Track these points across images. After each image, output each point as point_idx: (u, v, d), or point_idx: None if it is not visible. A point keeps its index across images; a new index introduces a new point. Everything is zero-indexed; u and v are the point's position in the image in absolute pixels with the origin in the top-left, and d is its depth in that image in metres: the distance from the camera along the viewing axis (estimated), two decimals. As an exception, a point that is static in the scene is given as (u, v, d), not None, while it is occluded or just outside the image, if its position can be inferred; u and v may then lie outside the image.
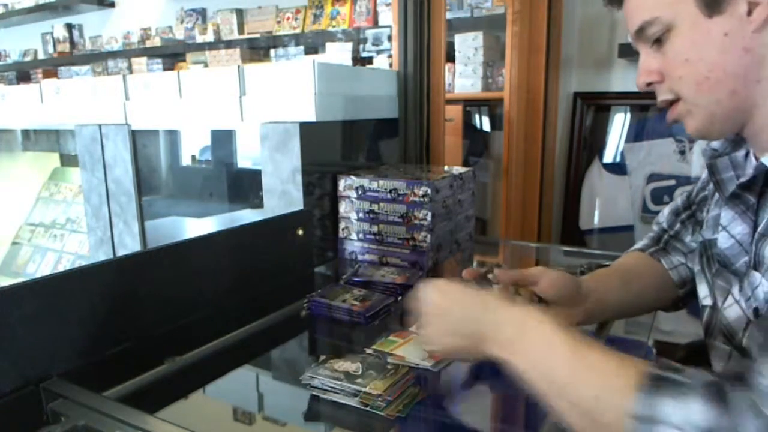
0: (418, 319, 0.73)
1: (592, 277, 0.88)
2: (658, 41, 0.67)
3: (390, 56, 2.23)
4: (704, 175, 0.89)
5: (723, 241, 0.72)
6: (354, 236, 1.37)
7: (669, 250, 0.93)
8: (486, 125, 2.61)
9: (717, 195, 0.78)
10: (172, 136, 1.87)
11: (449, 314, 0.70)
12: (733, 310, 0.70)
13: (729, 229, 0.72)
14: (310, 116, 1.29)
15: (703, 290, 0.78)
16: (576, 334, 0.59)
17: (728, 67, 0.63)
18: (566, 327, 0.60)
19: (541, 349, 0.59)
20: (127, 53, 3.97)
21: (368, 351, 0.86)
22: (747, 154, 0.71)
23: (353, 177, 1.34)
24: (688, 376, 0.50)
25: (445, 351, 0.73)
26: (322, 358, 0.81)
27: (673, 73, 0.67)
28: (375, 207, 1.32)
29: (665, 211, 0.97)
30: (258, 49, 3.38)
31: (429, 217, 1.27)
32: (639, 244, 0.97)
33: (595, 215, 2.26)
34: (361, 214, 1.35)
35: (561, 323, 0.60)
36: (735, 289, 0.70)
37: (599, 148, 2.27)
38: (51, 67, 4.46)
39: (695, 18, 0.63)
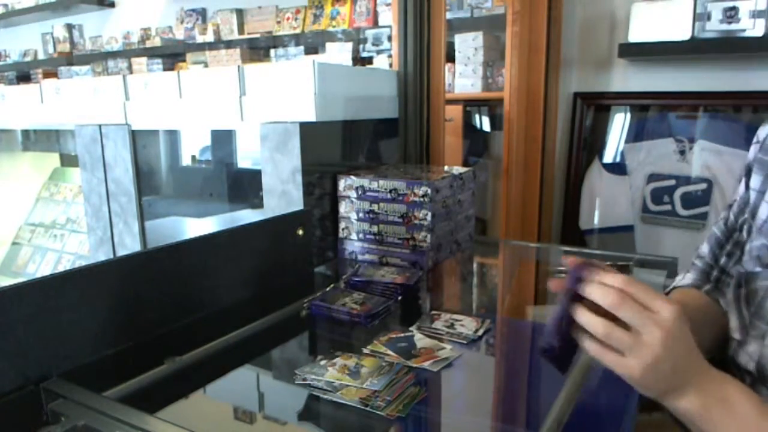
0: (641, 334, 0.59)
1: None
2: None
3: (390, 56, 2.23)
4: (739, 195, 0.84)
5: None
6: (354, 236, 1.37)
7: (722, 288, 0.85)
8: (486, 125, 2.61)
9: (760, 219, 0.72)
10: (172, 136, 1.87)
11: (676, 353, 0.59)
12: None
13: None
14: (310, 116, 1.29)
15: (733, 321, 0.74)
16: None
17: None
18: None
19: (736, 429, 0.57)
20: (127, 53, 3.97)
21: (365, 351, 0.86)
22: None
23: (353, 177, 1.34)
24: None
25: (638, 382, 0.60)
26: (319, 357, 0.81)
27: None
28: (375, 207, 1.32)
29: (705, 247, 0.89)
30: (258, 49, 3.39)
31: (429, 217, 1.27)
32: (688, 280, 0.88)
33: (595, 215, 2.26)
34: (361, 214, 1.35)
35: (761, 401, 0.58)
36: None
37: (599, 148, 2.27)
38: (51, 67, 4.47)
39: None
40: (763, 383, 0.67)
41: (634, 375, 0.59)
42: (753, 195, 0.78)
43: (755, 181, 0.78)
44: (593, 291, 0.59)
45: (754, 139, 0.81)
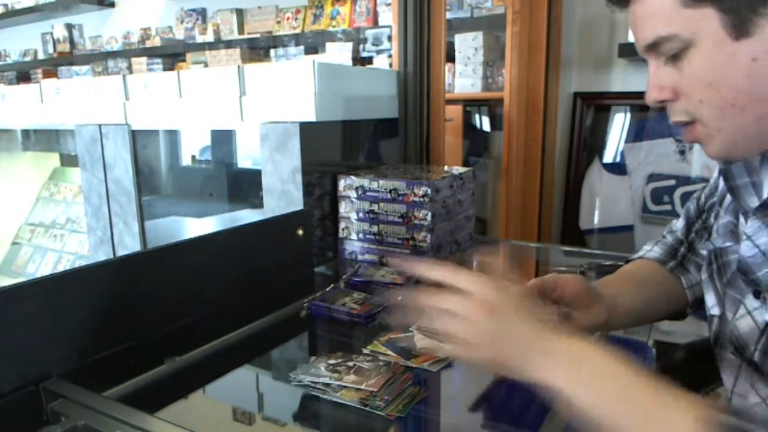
0: (453, 316, 0.62)
1: (600, 282, 0.86)
2: (675, 57, 0.61)
3: (390, 56, 2.23)
4: (713, 179, 0.86)
5: (746, 250, 0.67)
6: (354, 236, 1.37)
7: (686, 264, 0.88)
8: (486, 125, 2.61)
9: (727, 200, 0.74)
10: (172, 136, 1.87)
11: (504, 321, 0.60)
12: (745, 321, 0.67)
13: (754, 239, 0.66)
14: (310, 116, 1.29)
15: (710, 299, 0.75)
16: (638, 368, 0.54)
17: (756, 93, 0.58)
18: (623, 359, 0.55)
19: (604, 382, 0.55)
20: (127, 53, 3.97)
21: (364, 351, 0.86)
22: (763, 159, 0.66)
23: (353, 177, 1.34)
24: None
25: (485, 359, 0.61)
26: (312, 358, 0.81)
27: (693, 96, 0.62)
28: (375, 207, 1.32)
29: (680, 222, 0.92)
30: (258, 49, 3.39)
31: (429, 217, 1.27)
32: (655, 253, 0.91)
33: (595, 215, 2.26)
34: (361, 214, 1.35)
35: (617, 355, 0.56)
36: (748, 300, 0.67)
37: (599, 148, 2.27)
38: (51, 67, 4.47)
39: (719, 38, 0.57)
40: (742, 354, 0.68)
41: (467, 353, 0.61)
42: (722, 181, 0.78)
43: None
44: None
45: None
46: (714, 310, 0.75)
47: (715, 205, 0.82)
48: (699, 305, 0.87)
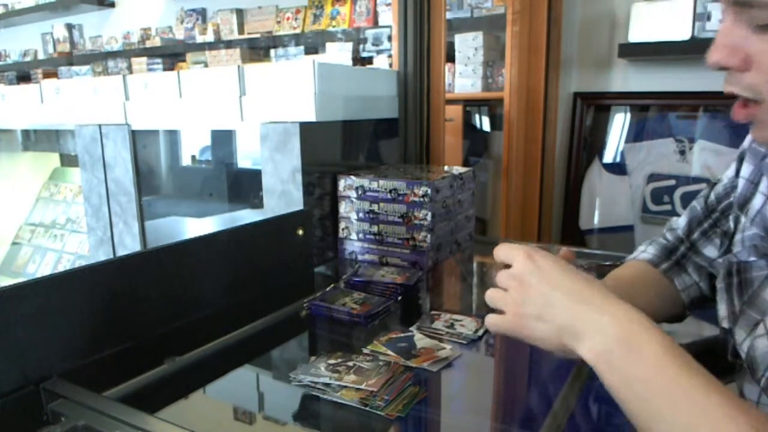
0: (499, 286, 0.62)
1: None
2: (765, 27, 0.53)
3: (390, 56, 2.23)
4: (727, 178, 0.82)
5: None
6: (354, 236, 1.37)
7: (684, 264, 0.85)
8: (486, 125, 2.61)
9: (753, 209, 0.69)
10: (172, 136, 1.87)
11: (546, 294, 0.58)
12: (762, 342, 0.62)
13: None
14: (310, 116, 1.29)
15: (722, 310, 0.72)
16: (688, 360, 0.50)
17: None
18: (676, 347, 0.51)
19: (643, 374, 0.50)
20: (127, 53, 3.97)
21: (364, 351, 0.86)
22: None
23: (353, 177, 1.34)
24: None
25: (524, 335, 0.60)
26: (312, 358, 0.81)
27: None
28: (375, 207, 1.32)
29: (682, 220, 0.88)
30: (258, 49, 3.39)
31: (429, 217, 1.27)
32: (647, 254, 0.88)
33: (595, 215, 2.26)
34: (361, 214, 1.35)
35: (671, 340, 0.51)
36: None
37: (599, 148, 2.27)
38: (51, 67, 4.47)
39: None
40: (752, 374, 0.65)
41: (506, 325, 0.61)
42: (742, 183, 0.75)
43: (746, 169, 0.75)
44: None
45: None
46: (724, 322, 0.71)
47: (731, 208, 0.77)
48: (697, 306, 0.86)
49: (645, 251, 0.89)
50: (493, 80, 2.46)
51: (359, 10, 2.98)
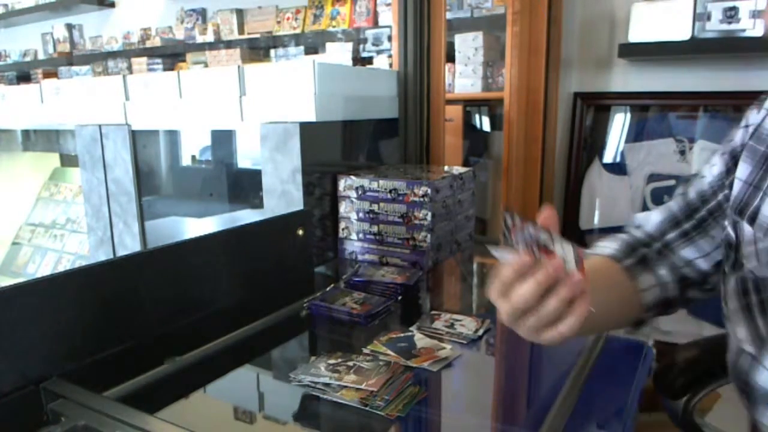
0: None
1: None
2: None
3: (390, 56, 2.23)
4: (711, 175, 0.76)
5: None
6: (354, 236, 1.37)
7: (651, 263, 0.78)
8: (486, 125, 2.61)
9: (764, 219, 0.63)
10: (172, 136, 1.87)
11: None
12: None
13: None
14: (310, 116, 1.29)
15: (742, 332, 0.67)
16: None
17: None
18: None
19: None
20: (127, 53, 3.97)
21: (364, 351, 0.86)
22: None
23: (353, 177, 1.34)
24: None
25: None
26: (312, 358, 0.81)
27: None
28: (375, 207, 1.32)
29: (654, 217, 0.81)
30: (258, 49, 3.38)
31: (429, 217, 1.27)
32: (609, 249, 0.80)
33: (595, 215, 2.26)
34: (361, 214, 1.35)
35: None
36: None
37: (599, 148, 2.27)
38: (51, 67, 4.46)
39: None
40: None
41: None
42: (738, 185, 0.69)
43: (743, 170, 0.69)
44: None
45: (742, 122, 0.73)
46: (748, 347, 0.66)
47: (720, 210, 0.73)
48: (659, 311, 0.78)
49: (606, 246, 0.82)
50: (493, 80, 2.46)
51: (359, 10, 2.98)
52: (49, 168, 2.57)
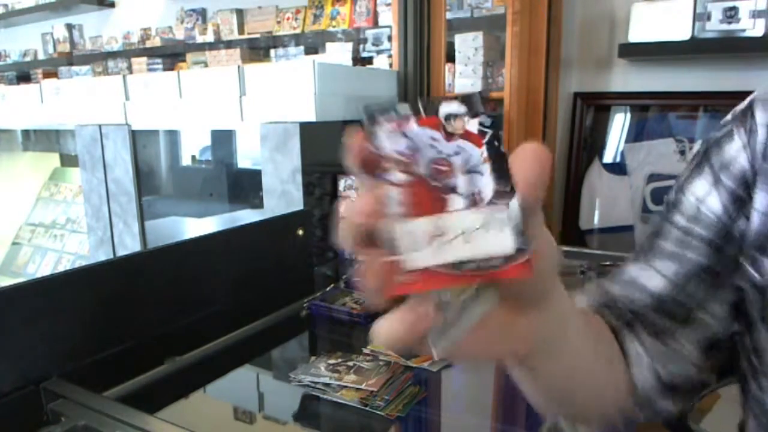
0: None
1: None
2: None
3: (390, 56, 2.23)
4: (712, 213, 0.55)
5: None
6: (354, 236, 1.37)
7: (640, 334, 0.54)
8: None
9: None
10: (172, 136, 1.87)
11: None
12: None
13: None
14: (310, 116, 1.29)
15: None
16: None
17: None
18: None
19: None
20: (127, 53, 3.97)
21: (364, 351, 0.86)
22: None
23: (353, 177, 1.34)
24: None
25: None
26: (312, 358, 0.81)
27: None
28: (375, 207, 1.32)
29: (666, 269, 0.56)
30: (258, 49, 3.38)
31: (429, 217, 1.26)
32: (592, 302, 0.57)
33: (595, 215, 2.26)
34: (361, 214, 1.35)
35: None
36: None
37: (599, 148, 2.27)
38: (51, 68, 4.46)
39: None
40: None
41: None
42: (758, 218, 0.52)
43: (762, 200, 0.52)
44: None
45: (735, 142, 0.58)
46: None
47: (737, 250, 0.54)
48: (651, 409, 0.55)
49: (589, 299, 0.58)
50: (493, 80, 2.46)
51: (359, 10, 2.98)
52: (49, 168, 2.57)
